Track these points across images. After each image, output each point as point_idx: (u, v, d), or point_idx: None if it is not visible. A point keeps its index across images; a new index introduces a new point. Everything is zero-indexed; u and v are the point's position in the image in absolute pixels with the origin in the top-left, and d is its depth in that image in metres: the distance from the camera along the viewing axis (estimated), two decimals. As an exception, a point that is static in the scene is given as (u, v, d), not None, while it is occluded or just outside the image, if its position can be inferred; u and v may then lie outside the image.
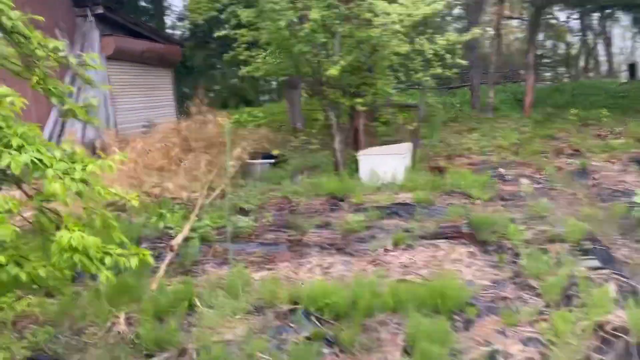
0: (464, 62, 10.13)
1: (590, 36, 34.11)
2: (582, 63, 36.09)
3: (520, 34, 35.98)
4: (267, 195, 9.70)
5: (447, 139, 15.63)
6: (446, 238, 6.71)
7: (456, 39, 9.68)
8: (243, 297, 5.11)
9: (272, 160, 12.75)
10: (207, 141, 14.26)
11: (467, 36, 10.20)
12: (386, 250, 6.44)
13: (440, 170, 10.39)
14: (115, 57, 15.67)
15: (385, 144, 11.88)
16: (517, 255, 5.94)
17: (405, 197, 8.92)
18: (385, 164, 9.81)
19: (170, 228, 7.60)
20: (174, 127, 14.84)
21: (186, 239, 7.24)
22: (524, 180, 9.83)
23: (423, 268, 5.85)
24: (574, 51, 35.71)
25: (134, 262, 3.40)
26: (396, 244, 6.57)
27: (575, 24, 32.94)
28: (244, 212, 8.85)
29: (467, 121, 18.48)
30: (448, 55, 9.52)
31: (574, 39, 35.06)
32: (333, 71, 8.54)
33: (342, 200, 8.95)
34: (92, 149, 12.99)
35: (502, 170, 10.94)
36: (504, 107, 21.54)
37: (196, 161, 12.41)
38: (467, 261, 5.99)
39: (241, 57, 10.80)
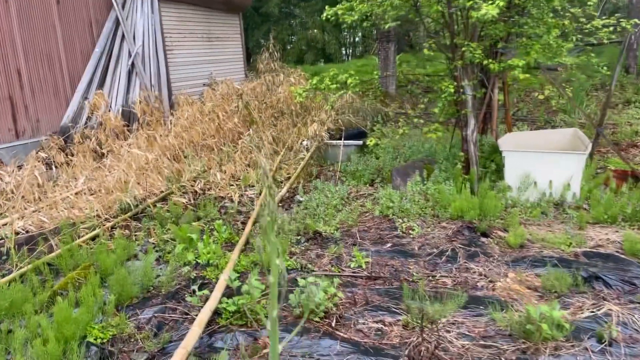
0: None
1: None
2: None
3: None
4: (355, 209, 6.24)
5: (598, 116, 11.28)
6: None
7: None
8: None
9: (360, 142, 9.21)
10: (276, 109, 10.88)
11: None
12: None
13: (636, 177, 6.41)
14: (170, -3, 12.49)
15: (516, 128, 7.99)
16: None
17: (600, 236, 5.16)
18: (551, 165, 6.00)
19: (199, 276, 4.44)
20: (237, 88, 11.55)
21: (215, 315, 3.99)
22: None
23: None
24: None
25: None
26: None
27: None
28: (317, 239, 5.47)
29: (619, 90, 13.85)
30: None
31: None
32: (491, 10, 4.77)
33: (485, 234, 5.31)
34: (129, 117, 10.03)
35: None
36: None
37: (258, 139, 9.09)
38: None
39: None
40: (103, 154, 8.81)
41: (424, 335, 3.47)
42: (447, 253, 5.00)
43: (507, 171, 6.24)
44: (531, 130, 10.09)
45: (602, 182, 6.20)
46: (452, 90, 6.10)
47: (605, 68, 9.73)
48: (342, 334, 3.73)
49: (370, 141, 7.26)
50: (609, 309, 3.81)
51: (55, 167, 8.37)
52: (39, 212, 6.45)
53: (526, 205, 5.81)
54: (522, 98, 14.35)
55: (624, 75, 14.66)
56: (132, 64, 10.76)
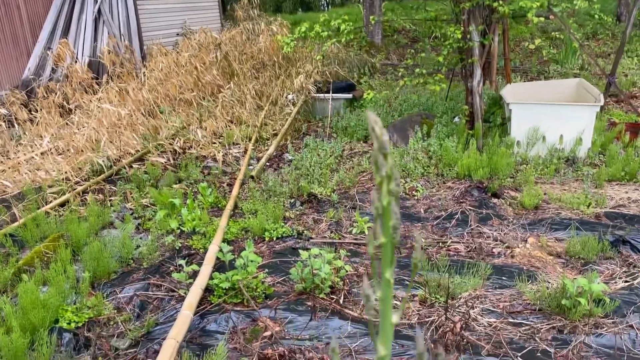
0: None
1: None
2: None
3: None
4: (351, 168, 5.76)
5: (591, 66, 10.88)
6: None
7: None
8: None
9: (349, 95, 8.63)
10: (257, 60, 10.16)
11: None
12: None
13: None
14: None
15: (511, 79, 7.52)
16: None
17: (620, 195, 4.79)
18: (562, 118, 5.57)
19: (185, 246, 3.93)
20: (215, 37, 10.73)
21: (206, 291, 3.53)
22: None
23: None
24: None
25: None
26: None
27: None
28: (312, 202, 4.99)
29: (610, 40, 13.41)
30: None
31: None
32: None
33: (496, 195, 4.89)
34: (98, 68, 9.21)
35: None
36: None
37: (240, 92, 8.43)
38: None
39: None
40: (70, 110, 8.05)
41: (448, 314, 3.07)
42: (457, 216, 4.57)
43: (514, 125, 5.78)
44: (525, 81, 9.62)
45: (615, 136, 5.81)
46: (459, 36, 5.53)
47: (601, 15, 9.13)
48: (352, 313, 3.30)
49: (368, 94, 6.71)
50: (646, 278, 3.45)
51: (18, 124, 7.62)
52: (0, 175, 5.79)
53: (537, 162, 5.40)
54: (512, 48, 13.81)
55: (615, 24, 14.19)
56: (99, 11, 9.84)
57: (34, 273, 3.65)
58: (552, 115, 5.63)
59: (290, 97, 8.72)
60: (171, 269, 3.94)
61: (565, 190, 4.94)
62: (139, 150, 6.57)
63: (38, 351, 2.84)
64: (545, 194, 4.81)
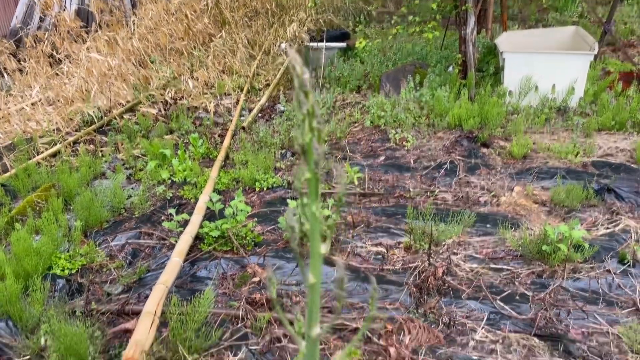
0: None
1: None
2: None
3: None
4: (343, 119, 5.75)
5: (591, 14, 10.65)
6: None
7: None
8: None
9: (343, 44, 8.49)
10: (249, 7, 9.92)
11: None
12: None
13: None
14: None
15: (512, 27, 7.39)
16: None
17: (608, 144, 4.81)
18: (555, 67, 5.52)
19: (176, 196, 3.97)
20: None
21: (196, 240, 3.60)
22: None
23: None
24: None
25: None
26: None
27: None
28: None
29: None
30: None
31: None
32: None
33: (485, 144, 4.91)
34: (86, 17, 9.00)
35: None
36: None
37: (232, 42, 8.29)
38: None
39: None
40: (59, 60, 7.94)
41: (431, 259, 3.15)
42: (446, 166, 4.61)
43: (507, 74, 5.74)
44: (522, 29, 9.46)
45: (607, 85, 5.78)
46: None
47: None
48: (338, 259, 3.38)
49: (360, 43, 6.60)
50: (627, 225, 3.53)
51: (7, 74, 7.53)
52: (-9, 126, 5.78)
53: (528, 112, 5.39)
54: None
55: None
56: (85, -44, 9.51)
57: (27, 222, 3.71)
58: (545, 64, 5.58)
59: (283, 46, 8.58)
60: (162, 218, 4.00)
61: (554, 139, 4.96)
62: (129, 101, 6.53)
63: (32, 296, 2.93)
64: (534, 143, 4.83)
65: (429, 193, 4.24)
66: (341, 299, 0.60)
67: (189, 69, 7.51)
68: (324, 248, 0.60)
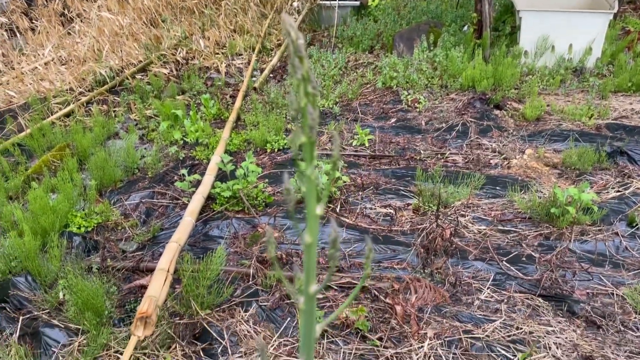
0: None
1: None
2: None
3: None
4: (354, 80, 5.70)
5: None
6: None
7: None
8: None
9: (356, 2, 8.32)
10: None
11: None
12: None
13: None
14: None
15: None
16: None
17: (624, 106, 4.74)
18: (573, 27, 5.39)
19: (188, 157, 4.02)
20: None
21: (208, 200, 3.66)
22: None
23: None
24: None
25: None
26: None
27: None
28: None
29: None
30: None
31: None
32: None
33: (498, 106, 4.86)
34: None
35: None
36: None
37: (243, 0, 8.15)
38: None
39: None
40: (71, 19, 7.90)
41: (439, 221, 3.18)
42: (457, 128, 4.58)
43: (523, 34, 5.61)
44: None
45: (626, 46, 5.63)
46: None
47: None
48: (348, 220, 3.43)
49: (373, 1, 6.47)
50: (638, 188, 3.51)
51: (20, 33, 7.52)
52: (5, 85, 5.82)
53: (543, 73, 5.30)
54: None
55: None
56: None
57: (43, 181, 3.79)
58: (563, 23, 5.44)
59: (295, 4, 8.43)
60: (175, 178, 4.06)
61: (569, 101, 4.89)
62: (141, 61, 6.51)
63: (49, 253, 3.03)
64: (548, 105, 4.77)
65: (439, 155, 4.24)
66: (334, 259, 0.63)
67: (200, 28, 7.44)
68: (319, 209, 0.63)
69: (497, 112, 4.79)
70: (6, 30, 7.38)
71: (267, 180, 3.95)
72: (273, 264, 2.67)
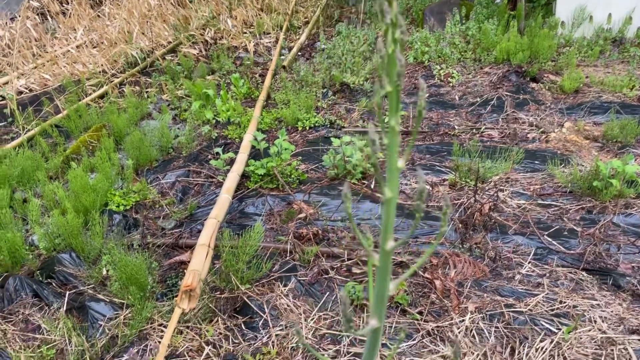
0: None
1: None
2: None
3: None
4: (386, 54, 5.62)
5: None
6: None
7: None
8: None
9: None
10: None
11: None
12: None
13: None
14: None
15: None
16: None
17: (667, 78, 4.56)
18: (611, -1, 5.20)
19: (220, 136, 4.04)
20: None
21: (243, 178, 3.68)
22: None
23: None
24: None
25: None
26: None
27: None
28: (345, 92, 4.96)
29: None
30: None
31: None
32: None
33: (535, 79, 4.73)
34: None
35: None
36: None
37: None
38: None
39: None
40: (101, 1, 7.97)
41: (477, 196, 3.13)
42: (492, 102, 4.49)
43: (559, 4, 5.44)
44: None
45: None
46: None
47: None
48: (382, 196, 3.40)
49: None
50: (684, 161, 3.39)
51: (52, 17, 7.62)
52: (40, 68, 5.93)
53: (581, 44, 5.13)
54: None
55: None
56: None
57: (81, 161, 3.86)
58: (602, -8, 5.25)
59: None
60: (209, 157, 4.09)
61: (609, 72, 4.73)
62: (170, 42, 6.54)
63: (92, 230, 3.09)
64: (587, 77, 4.63)
65: (474, 130, 4.17)
66: (419, 210, 0.62)
67: (227, 7, 7.42)
68: (401, 162, 0.61)
69: (533, 85, 4.67)
70: (38, 14, 7.49)
71: (299, 157, 3.95)
72: (320, 239, 2.63)
